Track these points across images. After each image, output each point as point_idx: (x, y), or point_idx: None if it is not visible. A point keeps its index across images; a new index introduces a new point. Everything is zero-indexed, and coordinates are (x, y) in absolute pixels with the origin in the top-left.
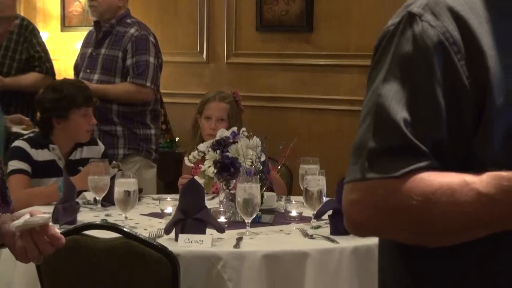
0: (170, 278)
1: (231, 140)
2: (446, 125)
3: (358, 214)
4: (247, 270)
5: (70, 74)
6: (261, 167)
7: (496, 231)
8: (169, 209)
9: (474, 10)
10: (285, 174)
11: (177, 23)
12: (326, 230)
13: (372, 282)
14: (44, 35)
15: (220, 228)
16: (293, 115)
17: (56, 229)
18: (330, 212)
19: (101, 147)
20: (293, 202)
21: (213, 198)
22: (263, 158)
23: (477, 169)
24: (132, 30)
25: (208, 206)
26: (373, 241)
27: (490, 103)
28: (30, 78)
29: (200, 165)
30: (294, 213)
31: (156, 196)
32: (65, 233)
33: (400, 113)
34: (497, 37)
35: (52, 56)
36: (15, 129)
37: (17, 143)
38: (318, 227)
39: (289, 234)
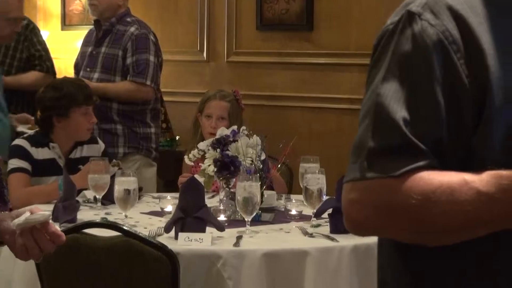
0: (170, 276)
1: (231, 139)
2: (446, 124)
3: (358, 214)
4: (247, 269)
5: (70, 73)
6: (261, 166)
7: (495, 230)
8: (169, 208)
9: (473, 8)
10: (285, 173)
11: (177, 21)
12: (326, 229)
13: (371, 281)
14: (45, 34)
15: (220, 227)
16: (293, 113)
17: (57, 227)
18: (330, 210)
19: (101, 145)
20: (293, 201)
21: (213, 196)
22: (263, 157)
23: (477, 168)
24: (132, 29)
25: (208, 205)
26: (373, 239)
27: (490, 101)
28: (31, 77)
29: (200, 164)
30: (294, 211)
31: (156, 194)
32: (65, 232)
33: (400, 112)
34: (496, 35)
35: (52, 55)
36: (21, 128)
37: (17, 141)
38: (318, 225)
39: (289, 232)
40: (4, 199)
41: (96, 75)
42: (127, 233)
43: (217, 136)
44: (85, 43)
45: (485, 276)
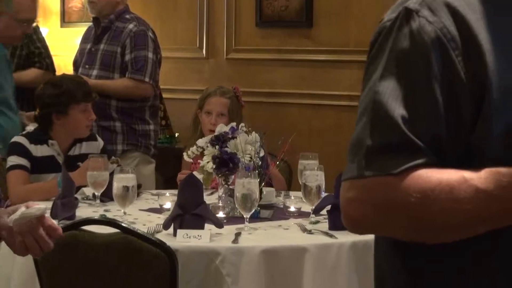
0: (168, 273)
1: (230, 136)
2: (444, 122)
3: (356, 212)
4: (246, 265)
5: (69, 70)
6: (260, 163)
7: (494, 227)
8: (168, 205)
9: (470, 5)
10: (284, 170)
11: (176, 18)
12: (324, 225)
13: (370, 277)
14: (44, 31)
15: (219, 224)
16: (293, 110)
17: (53, 220)
18: (328, 207)
19: (100, 142)
20: (292, 198)
21: (212, 193)
22: (262, 154)
23: (476, 166)
24: (131, 26)
25: (207, 202)
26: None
27: (489, 98)
28: (30, 74)
29: (199, 161)
30: (292, 208)
31: (155, 191)
32: (63, 229)
33: (398, 110)
34: (494, 32)
35: (52, 52)
36: (31, 126)
37: (16, 138)
38: (317, 222)
39: (287, 229)
40: None
41: (94, 72)
42: (126, 230)
43: (216, 133)
44: (84, 40)
45: (483, 274)
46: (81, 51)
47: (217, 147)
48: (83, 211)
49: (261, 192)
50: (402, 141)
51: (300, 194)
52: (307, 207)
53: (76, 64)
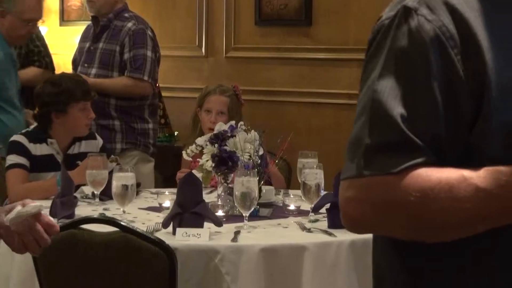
0: (168, 272)
1: (229, 134)
2: (444, 120)
3: (355, 211)
4: (245, 264)
5: (69, 69)
6: (259, 161)
7: (494, 226)
8: (167, 203)
9: (469, 3)
10: (284, 168)
11: (175, 17)
12: (323, 224)
13: (369, 275)
14: (43, 30)
15: (218, 222)
16: (292, 109)
17: (50, 217)
18: (327, 205)
19: (99, 141)
20: (291, 196)
21: (211, 192)
22: (261, 152)
23: (475, 164)
24: (130, 24)
25: (207, 200)
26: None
27: (488, 97)
28: (30, 72)
29: (198, 159)
30: (292, 206)
31: (154, 190)
32: (62, 227)
33: (397, 109)
34: (492, 30)
35: (51, 51)
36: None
37: (15, 137)
38: (316, 220)
39: (287, 227)
40: None
41: (93, 71)
42: (125, 229)
43: (215, 131)
44: (83, 38)
45: (483, 273)
46: (80, 50)
47: (216, 145)
48: (82, 210)
49: (260, 190)
50: (401, 140)
51: (299, 192)
52: (306, 206)
53: (75, 63)
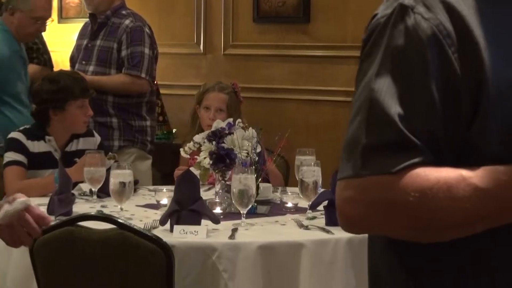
0: (165, 269)
1: (227, 131)
2: (442, 119)
3: (352, 211)
4: (242, 261)
5: (67, 66)
6: (257, 158)
7: (493, 225)
8: (165, 200)
9: (465, 1)
10: (282, 165)
11: (174, 14)
12: (321, 221)
13: (366, 273)
14: None
15: (215, 219)
16: (290, 106)
17: (41, 209)
18: (325, 203)
19: (97, 138)
20: (289, 193)
21: (209, 189)
22: (258, 149)
23: (473, 163)
24: (127, 22)
25: (204, 197)
26: None
27: (486, 94)
28: (29, 69)
29: (196, 156)
30: (289, 204)
31: (152, 187)
32: (60, 225)
33: (394, 108)
34: (489, 27)
35: (49, 48)
36: None
37: (13, 134)
38: (314, 218)
39: (284, 225)
40: None
41: (91, 68)
42: (122, 226)
43: (212, 129)
44: (81, 36)
45: (483, 272)
46: (77, 47)
47: (214, 142)
48: (80, 207)
49: (258, 187)
50: (399, 139)
51: (297, 189)
52: (304, 203)
53: (72, 60)
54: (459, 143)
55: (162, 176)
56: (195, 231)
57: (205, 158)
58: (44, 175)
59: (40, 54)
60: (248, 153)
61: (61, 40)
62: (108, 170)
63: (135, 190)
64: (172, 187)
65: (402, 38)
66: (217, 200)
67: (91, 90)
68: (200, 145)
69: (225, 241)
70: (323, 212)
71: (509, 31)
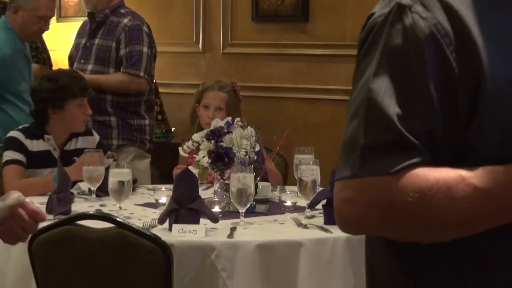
0: (163, 268)
1: (226, 130)
2: (440, 119)
3: (351, 212)
4: (241, 260)
5: (66, 65)
6: (255, 157)
7: (493, 226)
8: (164, 199)
9: (463, 0)
10: (280, 164)
11: (172, 13)
12: (320, 220)
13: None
14: None
15: (214, 218)
16: (289, 105)
17: (35, 204)
18: (324, 201)
19: (96, 137)
20: (288, 192)
21: (208, 188)
22: (257, 148)
23: (471, 162)
24: (126, 20)
25: (203, 196)
26: None
27: (484, 94)
28: None
29: (194, 155)
30: (288, 203)
31: (150, 186)
32: (58, 223)
33: (393, 108)
34: (487, 27)
35: (48, 47)
36: None
37: (12, 133)
38: (312, 216)
39: (283, 224)
40: None
41: (89, 67)
42: (121, 225)
43: (211, 128)
44: (79, 35)
45: (482, 272)
46: (76, 46)
47: (212, 141)
48: (78, 206)
49: (256, 186)
50: (398, 139)
51: (296, 188)
52: (303, 202)
53: (71, 59)
54: (457, 143)
55: (161, 175)
56: (193, 230)
57: (203, 157)
58: (43, 174)
59: (39, 53)
60: (246, 152)
61: (60, 39)
62: (107, 169)
63: (134, 189)
64: (170, 186)
65: (400, 38)
66: (216, 199)
67: (90, 89)
68: (199, 144)
69: (224, 240)
70: (322, 211)
71: (507, 30)
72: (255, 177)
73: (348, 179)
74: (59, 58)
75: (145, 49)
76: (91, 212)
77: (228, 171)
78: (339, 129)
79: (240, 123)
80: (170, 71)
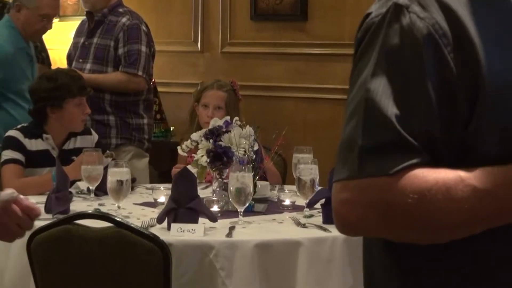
0: (162, 267)
1: (224, 129)
2: (438, 119)
3: (350, 214)
4: (240, 259)
5: (64, 64)
6: (254, 156)
7: (492, 226)
8: (162, 199)
9: (460, 0)
10: (279, 163)
11: (171, 12)
12: (318, 219)
13: None
14: None
15: (213, 217)
16: (288, 104)
17: (30, 200)
18: (322, 201)
19: (94, 136)
20: (286, 191)
21: (206, 187)
22: (256, 147)
23: (471, 164)
24: (124, 20)
25: (202, 196)
26: None
27: (482, 93)
28: None
29: (193, 155)
30: (287, 202)
31: (149, 185)
32: (57, 223)
33: (391, 108)
34: (484, 26)
35: (47, 46)
36: None
37: (11, 132)
38: (311, 216)
39: (281, 223)
40: None
41: (88, 66)
42: (119, 224)
43: (210, 127)
44: (78, 34)
45: (482, 273)
46: (74, 45)
47: (211, 141)
48: (77, 205)
49: (255, 186)
50: (397, 140)
51: (295, 187)
52: (301, 201)
53: (69, 58)
54: (456, 143)
55: (159, 174)
56: (192, 229)
57: (202, 156)
58: (42, 173)
59: (38, 52)
60: (245, 151)
61: (59, 38)
62: (106, 168)
63: (132, 188)
64: (169, 185)
65: (398, 38)
66: (215, 198)
67: (88, 88)
68: (198, 143)
69: (222, 239)
70: (321, 210)
71: (504, 29)
72: (254, 176)
73: (347, 180)
74: (58, 57)
75: (143, 48)
76: (89, 212)
77: (227, 170)
78: (338, 128)
79: (238, 122)
80: (168, 70)
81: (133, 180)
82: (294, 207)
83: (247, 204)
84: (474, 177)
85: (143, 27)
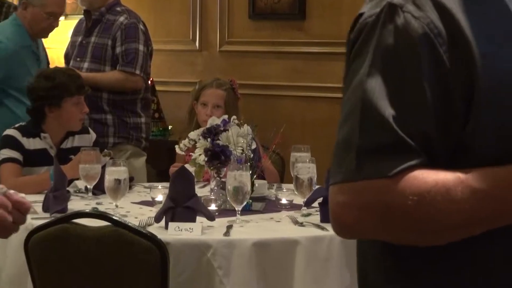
0: (160, 266)
1: (222, 128)
2: (435, 119)
3: (347, 216)
4: (237, 258)
5: (62, 63)
6: (252, 155)
7: (491, 227)
8: (160, 197)
9: None
10: (277, 162)
11: (169, 11)
12: (316, 218)
13: None
14: None
15: (210, 216)
16: (286, 103)
17: (20, 194)
18: (320, 199)
19: (92, 135)
20: (284, 190)
21: (204, 186)
22: (253, 146)
23: (469, 164)
24: (122, 18)
25: (200, 194)
26: None
27: (478, 92)
28: None
29: (191, 153)
30: (284, 200)
31: (147, 184)
32: (54, 222)
33: (389, 109)
34: (477, 24)
35: (44, 44)
36: None
37: (8, 131)
38: (308, 214)
39: (279, 221)
40: None
41: (85, 65)
42: (117, 223)
43: (208, 126)
44: (75, 32)
45: (480, 274)
46: (72, 44)
47: (209, 139)
48: (75, 204)
49: (253, 184)
50: (395, 141)
51: (292, 186)
52: (299, 200)
53: (67, 57)
54: (453, 144)
55: (157, 173)
56: (190, 228)
57: (200, 155)
58: (40, 172)
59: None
60: (243, 150)
61: (56, 36)
62: (104, 167)
63: (130, 187)
64: (167, 184)
65: (392, 38)
66: (212, 197)
67: (86, 87)
68: (196, 142)
69: (220, 238)
70: (318, 209)
71: (498, 27)
72: (252, 175)
73: (344, 183)
74: (56, 56)
75: (141, 47)
76: (87, 211)
77: (225, 169)
78: (336, 127)
79: (236, 121)
80: (166, 69)
81: (131, 179)
82: (292, 206)
83: (245, 203)
84: (474, 178)
85: (141, 26)
